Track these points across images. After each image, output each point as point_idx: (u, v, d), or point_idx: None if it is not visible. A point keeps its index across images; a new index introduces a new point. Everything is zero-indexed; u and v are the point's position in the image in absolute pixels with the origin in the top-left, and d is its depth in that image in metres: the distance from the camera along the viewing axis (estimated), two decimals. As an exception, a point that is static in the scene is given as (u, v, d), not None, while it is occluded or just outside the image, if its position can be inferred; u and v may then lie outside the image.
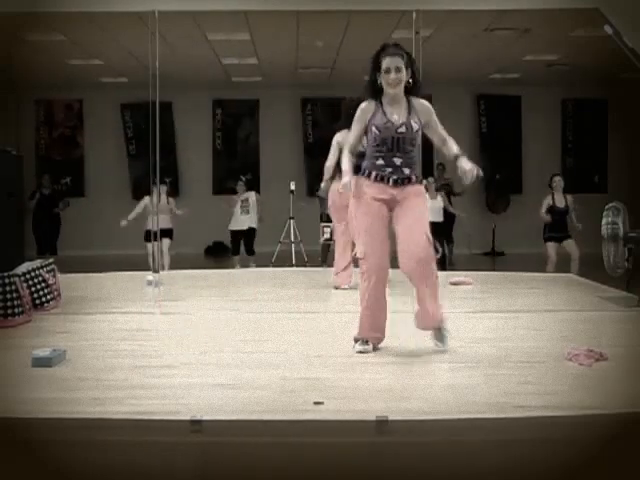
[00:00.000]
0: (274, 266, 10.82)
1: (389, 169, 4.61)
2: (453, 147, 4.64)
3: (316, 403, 3.52)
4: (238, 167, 15.93)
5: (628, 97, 14.16)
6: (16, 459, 3.21)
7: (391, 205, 4.66)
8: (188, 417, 3.27)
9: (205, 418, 3.27)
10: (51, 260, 6.59)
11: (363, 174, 4.66)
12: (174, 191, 15.75)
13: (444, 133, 4.71)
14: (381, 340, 4.81)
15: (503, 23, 10.46)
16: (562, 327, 5.47)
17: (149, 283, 7.43)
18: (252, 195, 12.17)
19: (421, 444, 3.24)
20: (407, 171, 4.62)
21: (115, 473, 3.22)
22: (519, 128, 16.33)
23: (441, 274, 8.41)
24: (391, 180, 4.61)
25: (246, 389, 3.84)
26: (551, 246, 10.05)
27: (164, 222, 10.92)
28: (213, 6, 8.62)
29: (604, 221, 6.95)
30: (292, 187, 11.81)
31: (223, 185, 15.68)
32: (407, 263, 4.63)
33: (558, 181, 10.17)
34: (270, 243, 11.96)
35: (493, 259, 15.56)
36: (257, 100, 16.10)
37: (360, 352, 4.64)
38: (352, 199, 4.75)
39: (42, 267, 6.31)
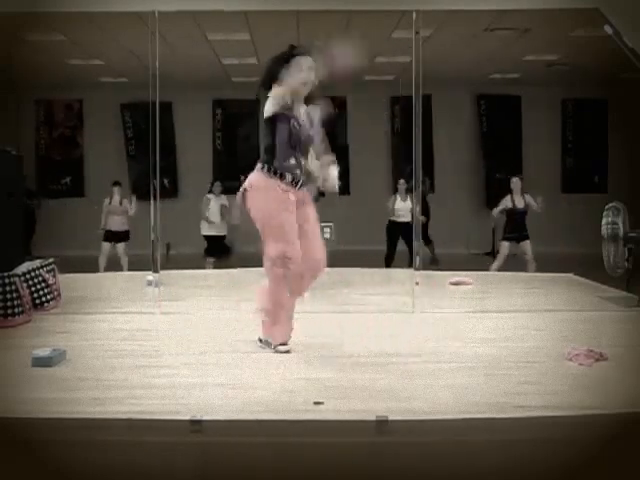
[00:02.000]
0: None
1: (298, 171, 4.59)
2: (329, 152, 4.68)
3: (316, 403, 3.52)
4: (238, 167, 15.89)
5: (628, 97, 14.15)
6: (16, 459, 3.22)
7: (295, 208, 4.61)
8: (188, 417, 3.27)
9: (205, 418, 3.27)
10: (51, 260, 6.60)
11: (274, 174, 4.52)
12: (173, 191, 15.79)
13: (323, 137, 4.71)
14: None
15: (503, 23, 10.45)
16: (562, 327, 5.47)
17: (149, 283, 7.42)
18: (224, 199, 11.90)
19: (421, 444, 3.24)
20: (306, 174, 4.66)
21: (115, 473, 3.22)
22: (519, 128, 16.32)
23: (441, 274, 8.47)
24: (299, 184, 4.60)
25: (246, 389, 3.84)
26: (505, 246, 10.20)
27: (118, 224, 11.26)
28: (213, 6, 8.60)
29: (604, 221, 6.95)
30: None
31: (223, 185, 15.66)
32: (306, 274, 4.63)
33: (515, 182, 10.32)
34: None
35: (493, 259, 15.54)
36: (257, 100, 16.04)
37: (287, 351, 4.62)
38: (261, 195, 4.54)
39: (42, 267, 6.32)
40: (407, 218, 11.47)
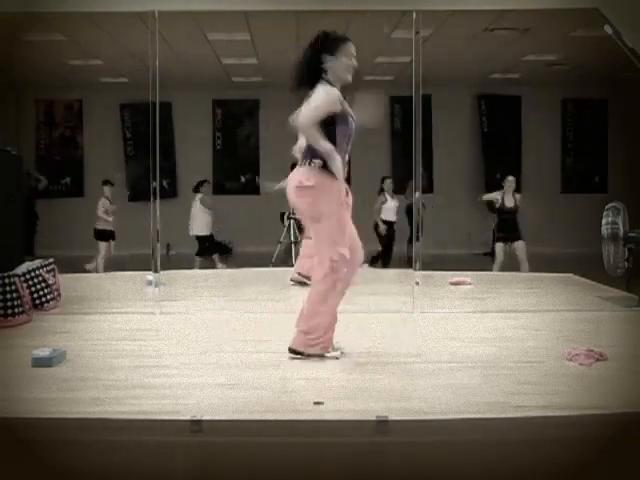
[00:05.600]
0: (274, 266, 10.83)
1: (343, 167, 4.34)
2: None
3: (316, 403, 3.52)
4: (238, 167, 15.93)
5: (628, 97, 14.15)
6: (16, 459, 3.21)
7: None
8: (188, 417, 3.27)
9: (205, 418, 3.27)
10: (51, 260, 6.59)
11: (331, 173, 4.28)
12: (173, 191, 15.78)
13: None
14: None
15: (503, 23, 10.45)
16: (562, 327, 5.47)
17: (149, 283, 7.42)
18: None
19: (421, 444, 3.24)
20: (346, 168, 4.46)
21: (115, 473, 3.22)
22: (519, 128, 16.33)
23: (441, 274, 8.46)
24: (344, 180, 4.40)
25: (246, 389, 3.84)
26: (499, 247, 10.22)
27: (111, 223, 11.59)
28: (213, 6, 8.61)
29: (604, 221, 6.94)
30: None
31: (223, 185, 15.69)
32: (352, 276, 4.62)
33: (510, 181, 10.32)
34: (270, 243, 11.95)
35: (493, 259, 15.54)
36: (257, 100, 16.09)
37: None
38: (323, 196, 4.30)
39: (42, 267, 6.31)
40: (394, 218, 11.73)
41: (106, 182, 11.86)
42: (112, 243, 11.57)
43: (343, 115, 4.36)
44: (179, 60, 12.21)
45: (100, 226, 11.60)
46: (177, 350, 4.78)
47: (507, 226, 10.16)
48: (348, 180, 4.53)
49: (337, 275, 4.35)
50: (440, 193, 15.06)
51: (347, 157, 4.47)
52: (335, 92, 4.35)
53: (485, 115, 16.39)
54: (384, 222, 11.80)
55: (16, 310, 5.53)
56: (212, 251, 12.29)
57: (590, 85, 15.11)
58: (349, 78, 4.43)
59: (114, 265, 11.24)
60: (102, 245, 11.54)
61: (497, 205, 10.23)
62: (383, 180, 12.18)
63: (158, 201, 6.83)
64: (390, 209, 11.84)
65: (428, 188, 13.93)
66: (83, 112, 16.34)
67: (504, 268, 9.96)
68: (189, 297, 7.23)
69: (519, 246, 10.07)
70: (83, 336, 5.20)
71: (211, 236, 12.34)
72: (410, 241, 12.73)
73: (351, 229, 4.52)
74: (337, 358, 4.46)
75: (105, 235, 11.57)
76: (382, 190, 12.03)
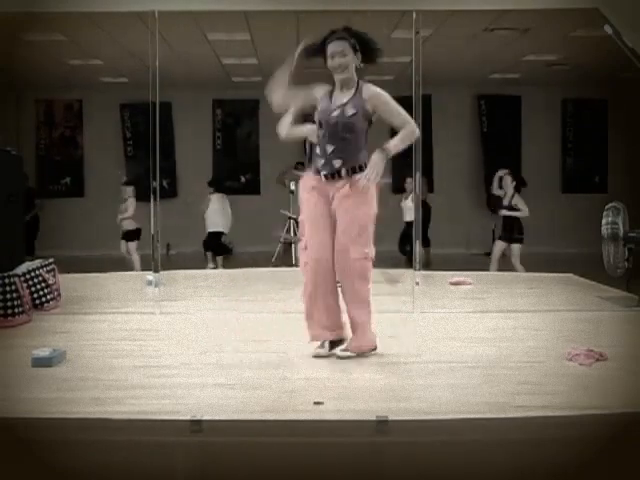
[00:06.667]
0: (274, 266, 10.83)
1: (321, 160, 4.39)
2: (394, 138, 4.41)
3: (316, 403, 3.52)
4: (238, 167, 15.92)
5: (628, 97, 14.15)
6: (16, 459, 3.21)
7: (330, 200, 4.42)
8: (188, 417, 3.27)
9: (205, 418, 3.27)
10: (51, 260, 6.59)
11: (310, 167, 4.56)
12: (172, 191, 15.79)
13: (398, 121, 4.46)
14: (339, 336, 4.53)
15: (503, 23, 10.45)
16: (562, 327, 5.47)
17: (149, 283, 7.42)
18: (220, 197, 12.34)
19: (421, 444, 3.24)
20: (337, 163, 4.36)
21: (115, 473, 3.22)
22: (519, 128, 16.32)
23: (441, 274, 8.47)
24: (322, 175, 4.41)
25: (246, 389, 3.84)
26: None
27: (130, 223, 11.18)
28: (213, 6, 8.60)
29: (604, 221, 6.95)
30: (292, 187, 11.82)
31: (223, 185, 15.68)
32: (338, 274, 4.46)
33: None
34: (270, 243, 11.95)
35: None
36: (257, 100, 16.06)
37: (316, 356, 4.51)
38: (301, 190, 4.54)
39: (42, 267, 6.32)
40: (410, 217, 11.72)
41: (128, 182, 11.45)
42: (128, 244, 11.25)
43: (316, 108, 4.51)
44: (179, 60, 12.21)
45: (128, 227, 11.15)
46: (177, 350, 4.78)
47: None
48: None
49: (302, 261, 4.53)
50: (440, 193, 15.04)
51: (327, 148, 4.40)
52: (315, 86, 4.59)
53: (485, 115, 16.37)
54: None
55: (16, 310, 5.53)
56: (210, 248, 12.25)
57: (590, 85, 15.11)
58: (336, 77, 4.48)
59: (114, 265, 11.22)
60: (132, 246, 11.13)
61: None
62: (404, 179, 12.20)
63: (158, 201, 6.83)
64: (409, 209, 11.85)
65: (428, 188, 13.91)
66: (83, 112, 16.33)
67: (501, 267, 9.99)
68: (189, 297, 7.23)
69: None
70: (83, 336, 5.20)
71: (214, 233, 12.27)
72: (424, 244, 12.73)
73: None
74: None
75: (132, 235, 11.28)
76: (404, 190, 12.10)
